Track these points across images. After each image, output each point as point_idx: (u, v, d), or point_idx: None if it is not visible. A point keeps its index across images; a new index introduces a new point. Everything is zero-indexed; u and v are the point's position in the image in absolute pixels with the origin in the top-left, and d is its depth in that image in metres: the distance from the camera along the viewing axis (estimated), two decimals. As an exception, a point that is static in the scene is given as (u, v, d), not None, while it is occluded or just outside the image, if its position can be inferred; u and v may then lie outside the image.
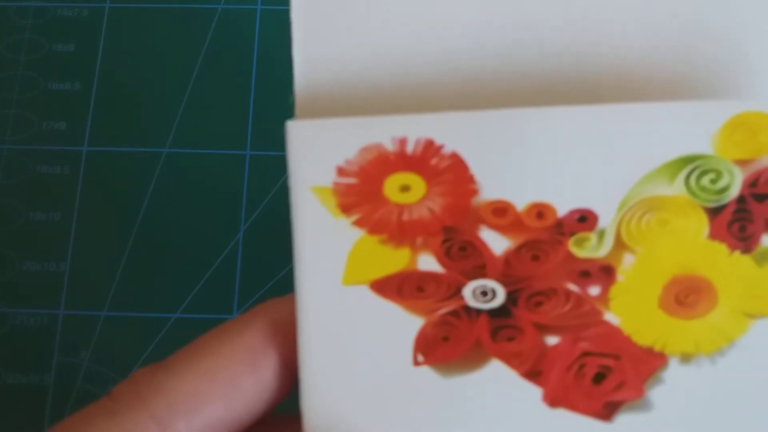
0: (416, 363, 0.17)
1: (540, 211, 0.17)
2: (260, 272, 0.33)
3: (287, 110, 0.38)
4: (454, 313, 0.18)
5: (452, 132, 0.17)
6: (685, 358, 0.17)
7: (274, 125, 0.37)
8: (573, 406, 0.17)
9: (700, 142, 0.16)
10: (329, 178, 0.17)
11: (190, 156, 0.35)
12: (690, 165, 0.17)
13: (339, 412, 0.17)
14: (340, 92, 0.18)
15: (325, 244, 0.17)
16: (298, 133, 0.17)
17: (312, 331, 0.17)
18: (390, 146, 0.17)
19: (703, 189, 0.17)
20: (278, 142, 0.37)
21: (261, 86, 0.36)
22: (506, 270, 0.17)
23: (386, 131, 0.17)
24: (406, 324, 0.17)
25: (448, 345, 0.17)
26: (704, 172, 0.17)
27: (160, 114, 0.36)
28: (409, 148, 0.17)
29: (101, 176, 0.35)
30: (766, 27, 0.18)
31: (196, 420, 0.16)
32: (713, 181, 0.17)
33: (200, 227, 0.34)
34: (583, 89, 0.18)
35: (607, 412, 0.17)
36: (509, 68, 0.18)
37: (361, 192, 0.17)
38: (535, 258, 0.17)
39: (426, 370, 0.17)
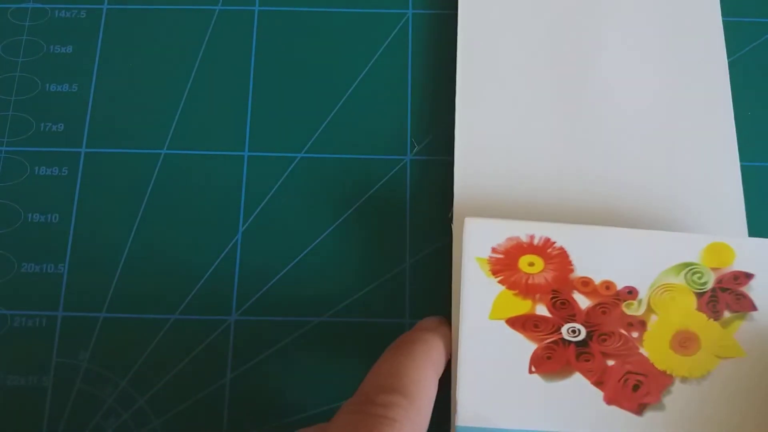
0: (530, 372, 0.29)
1: (608, 285, 0.30)
2: (259, 273, 0.33)
3: (285, 111, 0.38)
4: (555, 342, 0.30)
5: (560, 236, 0.30)
6: (683, 380, 0.30)
7: (272, 126, 0.37)
8: (620, 405, 0.29)
9: (694, 255, 0.30)
10: (486, 253, 0.30)
11: (188, 157, 0.35)
12: (687, 267, 0.30)
13: (481, 399, 0.29)
14: (485, 204, 0.34)
15: (480, 293, 0.30)
16: (472, 225, 0.30)
17: (469, 347, 0.29)
18: (524, 239, 0.30)
19: (694, 282, 0.30)
20: (276, 143, 0.38)
21: (259, 87, 0.37)
22: (587, 318, 0.30)
23: (522, 230, 0.30)
24: (525, 347, 0.30)
25: (550, 362, 0.30)
26: (695, 272, 0.30)
27: (158, 115, 0.36)
28: (536, 241, 0.30)
29: (100, 178, 0.35)
30: (717, 193, 0.35)
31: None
32: (699, 278, 0.30)
33: (198, 228, 0.34)
34: (621, 213, 0.34)
35: (639, 409, 0.29)
36: (584, 199, 0.34)
37: (504, 263, 0.30)
38: (603, 312, 0.30)
39: (536, 377, 0.29)
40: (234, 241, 0.35)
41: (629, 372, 0.29)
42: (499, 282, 0.30)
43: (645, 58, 0.38)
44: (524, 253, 0.30)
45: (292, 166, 0.36)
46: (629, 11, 0.39)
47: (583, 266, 0.30)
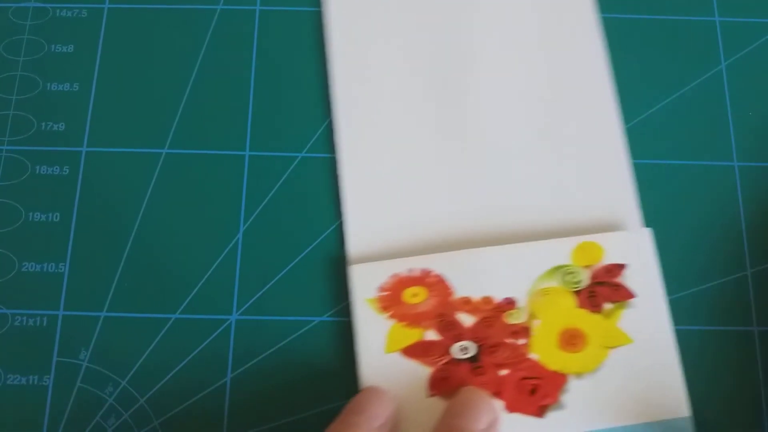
0: (430, 395, 0.31)
1: (486, 300, 0.32)
2: (259, 273, 0.33)
3: (286, 111, 0.38)
4: (448, 363, 0.31)
5: (437, 264, 0.33)
6: (578, 375, 0.31)
7: (273, 126, 0.37)
8: (522, 410, 0.30)
9: (565, 257, 0.32)
10: (374, 293, 0.32)
11: (189, 156, 0.35)
12: (561, 269, 0.32)
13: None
14: (374, 244, 0.34)
15: (374, 330, 0.32)
16: (358, 271, 0.33)
17: (370, 382, 0.31)
18: (406, 273, 0.33)
19: (569, 282, 0.32)
20: (277, 143, 0.38)
21: (260, 87, 0.37)
22: (474, 334, 0.32)
23: (403, 266, 0.33)
24: (422, 372, 0.31)
25: (447, 382, 0.31)
26: (568, 273, 0.32)
27: (159, 114, 0.37)
28: (415, 274, 0.33)
29: (100, 177, 0.36)
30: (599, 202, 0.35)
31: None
32: (573, 277, 0.32)
33: (199, 228, 0.34)
34: (507, 233, 0.34)
35: (540, 412, 0.30)
36: (466, 227, 0.34)
37: (391, 299, 0.32)
38: (488, 326, 0.32)
39: (436, 399, 0.31)
40: (234, 241, 0.35)
41: (524, 378, 0.31)
42: (390, 317, 0.32)
43: (524, 60, 0.37)
44: (407, 286, 0.32)
45: (293, 166, 0.36)
46: (506, 13, 0.38)
47: (461, 287, 0.32)
